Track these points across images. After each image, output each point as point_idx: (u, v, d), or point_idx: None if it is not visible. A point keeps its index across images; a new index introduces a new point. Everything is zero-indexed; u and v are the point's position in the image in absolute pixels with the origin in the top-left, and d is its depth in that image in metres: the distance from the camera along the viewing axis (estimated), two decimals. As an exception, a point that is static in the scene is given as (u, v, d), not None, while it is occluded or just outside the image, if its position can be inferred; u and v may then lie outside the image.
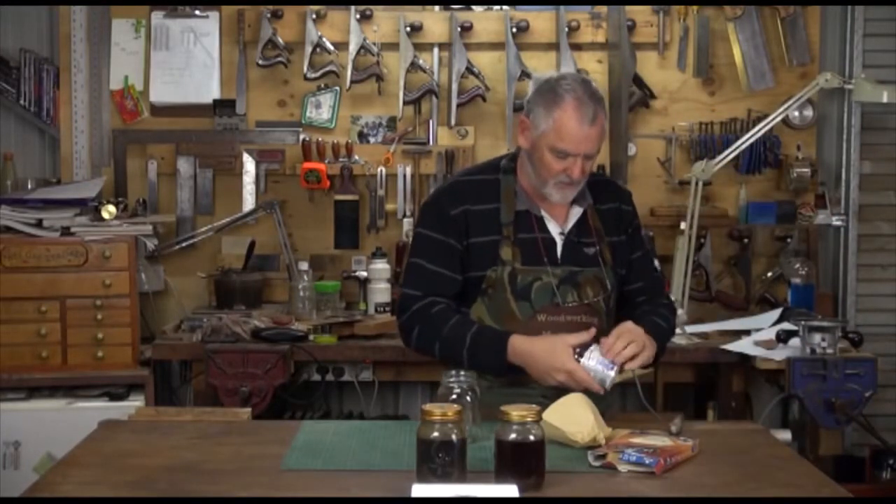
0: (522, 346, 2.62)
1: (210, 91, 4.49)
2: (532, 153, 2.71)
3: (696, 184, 4.15)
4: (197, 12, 4.47)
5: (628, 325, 2.61)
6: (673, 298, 4.06)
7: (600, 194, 2.84)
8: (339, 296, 4.24)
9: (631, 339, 2.56)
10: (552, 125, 2.65)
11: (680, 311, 4.06)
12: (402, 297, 2.80)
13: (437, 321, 2.69)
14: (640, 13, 4.45)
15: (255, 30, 4.44)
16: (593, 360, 2.54)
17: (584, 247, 2.77)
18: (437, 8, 4.48)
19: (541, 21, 4.46)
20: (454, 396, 2.37)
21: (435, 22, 4.45)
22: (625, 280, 2.85)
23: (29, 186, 4.28)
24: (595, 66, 4.49)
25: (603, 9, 4.45)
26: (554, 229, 2.77)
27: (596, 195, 2.82)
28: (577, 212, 2.78)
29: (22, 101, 4.44)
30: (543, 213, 2.77)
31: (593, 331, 2.60)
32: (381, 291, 4.21)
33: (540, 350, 2.60)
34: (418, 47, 4.43)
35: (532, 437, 2.11)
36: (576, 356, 2.54)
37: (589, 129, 2.64)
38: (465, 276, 2.74)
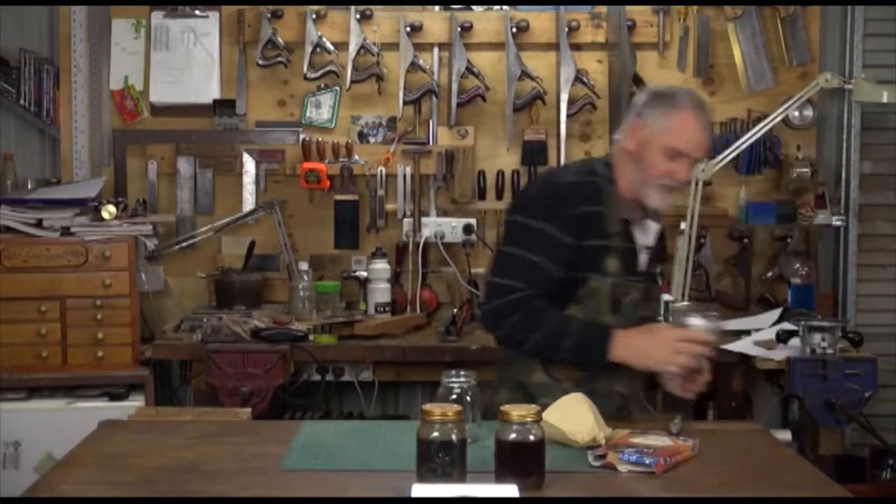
0: (626, 335, 2.66)
1: (210, 91, 4.49)
2: (640, 153, 2.75)
3: (696, 184, 4.15)
4: (197, 12, 4.47)
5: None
6: (672, 298, 4.07)
7: (655, 212, 2.89)
8: (339, 296, 4.24)
9: None
10: (669, 124, 2.72)
11: (680, 311, 4.07)
12: (497, 285, 2.73)
13: (539, 313, 2.68)
14: (640, 13, 4.45)
15: (255, 30, 4.44)
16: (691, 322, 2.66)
17: (654, 262, 2.88)
18: (437, 8, 4.48)
19: (541, 21, 4.46)
20: (454, 396, 2.37)
21: (435, 22, 4.45)
22: None
23: (29, 186, 4.29)
24: (595, 66, 4.49)
25: (603, 9, 4.45)
26: (640, 241, 2.83)
27: (655, 212, 2.89)
28: (654, 227, 2.86)
29: (22, 101, 4.44)
30: (636, 225, 2.83)
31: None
32: (381, 291, 4.21)
33: (645, 336, 2.66)
34: (418, 47, 4.43)
35: (532, 437, 2.11)
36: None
37: (703, 132, 2.76)
38: (567, 275, 2.73)
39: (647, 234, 2.85)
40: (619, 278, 2.76)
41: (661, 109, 2.75)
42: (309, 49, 4.39)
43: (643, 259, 2.84)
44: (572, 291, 2.74)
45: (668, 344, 2.61)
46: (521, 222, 2.77)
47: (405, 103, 4.42)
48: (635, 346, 2.65)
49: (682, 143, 2.72)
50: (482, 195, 4.49)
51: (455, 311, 4.09)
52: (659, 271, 2.91)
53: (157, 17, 4.47)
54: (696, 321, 2.65)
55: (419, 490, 1.95)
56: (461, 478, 2.09)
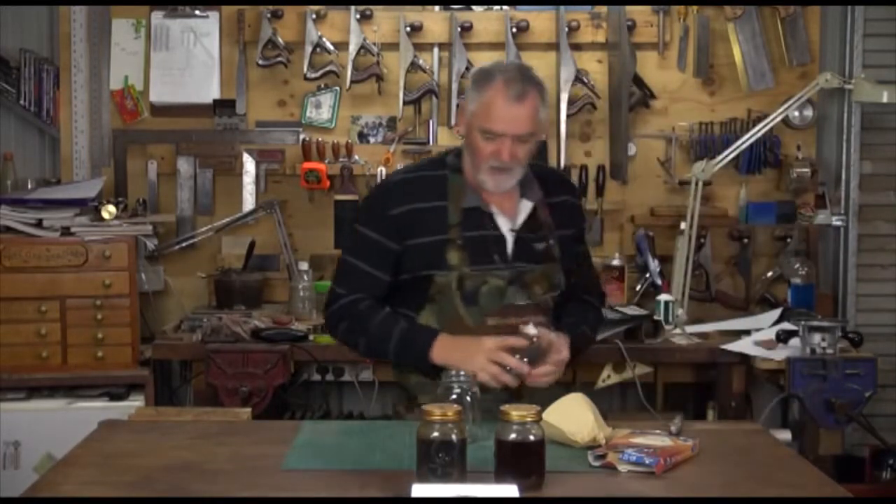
0: (447, 340, 2.62)
1: (210, 91, 4.49)
2: (468, 138, 2.68)
3: (696, 184, 4.15)
4: (197, 12, 4.47)
5: (565, 350, 2.61)
6: (673, 298, 4.07)
7: (550, 187, 2.79)
8: (339, 296, 4.23)
9: (561, 363, 2.61)
10: (480, 104, 2.62)
11: (680, 311, 4.07)
12: (330, 292, 2.79)
13: (363, 317, 2.69)
14: (640, 13, 4.45)
15: (255, 30, 4.44)
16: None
17: (535, 242, 2.72)
18: (437, 8, 4.48)
19: (541, 21, 4.46)
20: (454, 396, 2.37)
21: (435, 22, 4.45)
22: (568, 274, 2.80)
23: (29, 186, 4.28)
24: (595, 66, 4.49)
25: (603, 9, 4.45)
26: (504, 226, 2.71)
27: (546, 188, 2.77)
28: (526, 206, 2.73)
29: (22, 101, 4.44)
30: (493, 210, 2.71)
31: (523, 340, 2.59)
32: (381, 291, 4.20)
33: (465, 343, 2.60)
34: (418, 47, 4.43)
35: (532, 437, 2.11)
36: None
37: (515, 107, 2.59)
38: (404, 276, 2.70)
39: (516, 217, 2.72)
40: (467, 270, 2.66)
41: (475, 90, 2.64)
42: (309, 49, 4.39)
43: (510, 243, 2.70)
44: (424, 291, 2.69)
45: (485, 353, 2.55)
46: (354, 228, 2.80)
47: (405, 103, 4.42)
48: (454, 351, 2.60)
49: (492, 123, 2.59)
50: (482, 195, 4.48)
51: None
52: (542, 248, 2.72)
53: (157, 17, 4.47)
54: (530, 331, 2.56)
55: (419, 490, 1.95)
56: (461, 478, 2.08)
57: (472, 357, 2.56)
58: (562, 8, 4.43)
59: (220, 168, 4.51)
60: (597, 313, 2.93)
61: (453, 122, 4.40)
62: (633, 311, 3.99)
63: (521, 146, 2.63)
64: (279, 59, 4.41)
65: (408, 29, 4.40)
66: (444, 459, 2.07)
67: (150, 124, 4.52)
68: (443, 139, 4.47)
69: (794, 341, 3.75)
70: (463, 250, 2.66)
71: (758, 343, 3.86)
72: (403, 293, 2.73)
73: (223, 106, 4.47)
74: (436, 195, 2.70)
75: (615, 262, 4.29)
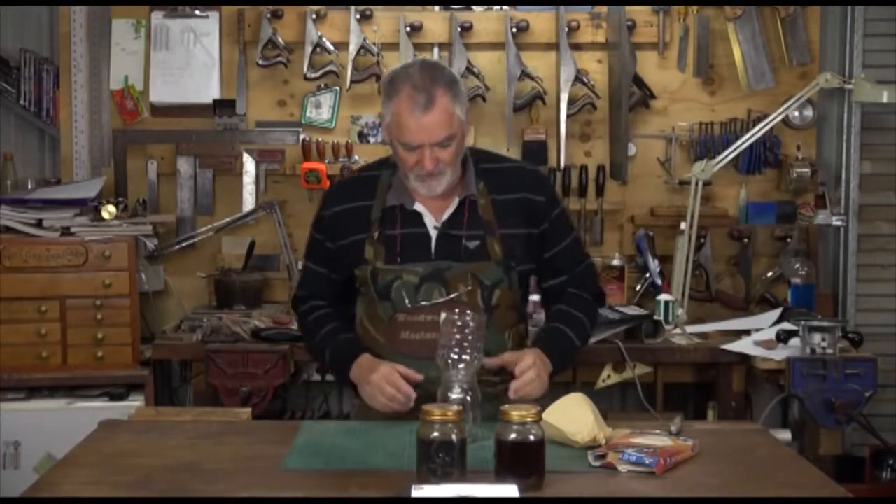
0: (360, 362, 2.65)
1: (210, 91, 4.49)
2: (391, 146, 2.65)
3: (696, 184, 4.15)
4: (197, 12, 4.47)
5: (530, 366, 2.55)
6: (673, 298, 4.06)
7: (503, 183, 2.69)
8: (339, 296, 4.24)
9: (533, 378, 2.55)
10: (392, 116, 2.58)
11: (680, 311, 4.07)
12: (293, 295, 2.91)
13: (310, 331, 2.81)
14: (640, 13, 4.45)
15: (255, 30, 4.44)
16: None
17: (466, 240, 2.64)
18: (437, 8, 4.48)
19: (541, 21, 4.46)
20: (454, 396, 2.37)
21: (435, 22, 4.45)
22: (545, 275, 2.76)
23: (29, 186, 4.29)
24: (595, 66, 4.49)
25: (603, 9, 4.45)
26: (430, 223, 2.67)
27: (497, 184, 2.69)
28: (453, 203, 2.67)
29: (22, 101, 4.45)
30: (419, 207, 2.67)
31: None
32: (381, 291, 4.20)
33: (366, 370, 2.61)
34: (418, 47, 4.43)
35: (532, 437, 2.11)
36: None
37: (423, 116, 2.53)
38: (344, 274, 2.73)
39: (442, 214, 2.66)
40: (381, 265, 2.64)
41: (386, 100, 2.60)
42: (309, 49, 4.39)
43: (434, 240, 2.65)
44: (353, 287, 2.73)
45: (374, 383, 2.56)
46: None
47: (405, 103, 4.41)
48: (360, 376, 2.64)
49: (405, 135, 2.55)
50: (482, 195, 4.48)
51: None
52: (475, 246, 2.63)
53: (157, 17, 4.47)
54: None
55: (419, 490, 1.95)
56: (461, 478, 2.09)
57: (365, 386, 2.62)
58: (562, 8, 4.43)
59: (220, 168, 4.50)
60: (588, 305, 2.79)
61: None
62: (633, 311, 4.00)
63: (443, 150, 2.58)
64: (279, 59, 4.42)
65: (408, 29, 4.40)
66: (444, 459, 2.07)
67: (150, 124, 4.52)
68: (443, 139, 4.47)
69: (794, 341, 3.75)
70: (379, 245, 2.66)
71: (758, 343, 3.87)
72: (347, 289, 2.76)
73: (223, 106, 4.47)
74: (366, 195, 2.71)
75: (615, 262, 4.30)
